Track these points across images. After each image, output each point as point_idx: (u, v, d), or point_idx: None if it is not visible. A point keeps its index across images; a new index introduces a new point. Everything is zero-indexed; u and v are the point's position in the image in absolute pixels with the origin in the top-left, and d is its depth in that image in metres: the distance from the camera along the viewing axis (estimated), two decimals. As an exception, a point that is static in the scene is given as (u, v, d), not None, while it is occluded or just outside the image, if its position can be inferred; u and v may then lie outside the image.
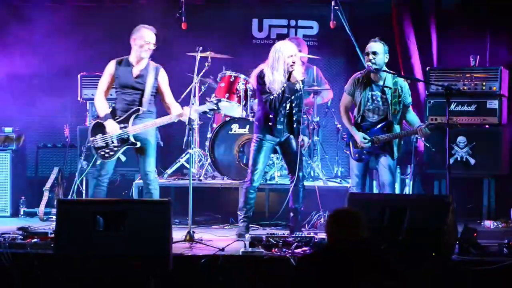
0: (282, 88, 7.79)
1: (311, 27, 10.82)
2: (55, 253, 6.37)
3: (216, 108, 8.04)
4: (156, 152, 8.17)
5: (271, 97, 7.82)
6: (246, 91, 9.18)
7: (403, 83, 8.01)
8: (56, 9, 10.24)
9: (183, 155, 9.39)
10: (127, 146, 7.92)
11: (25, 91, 9.85)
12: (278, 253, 6.79)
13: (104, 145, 7.93)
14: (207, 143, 9.27)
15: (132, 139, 7.88)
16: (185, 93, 9.12)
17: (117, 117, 7.93)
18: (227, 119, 9.21)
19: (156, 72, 7.98)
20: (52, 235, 6.99)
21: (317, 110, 9.54)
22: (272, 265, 6.66)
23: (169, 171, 9.48)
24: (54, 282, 6.43)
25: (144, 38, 7.88)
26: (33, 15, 10.09)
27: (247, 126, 8.98)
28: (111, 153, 7.93)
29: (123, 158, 8.68)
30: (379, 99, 7.95)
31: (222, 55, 9.48)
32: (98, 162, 8.02)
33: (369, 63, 7.85)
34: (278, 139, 8.02)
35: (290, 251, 6.78)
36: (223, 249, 7.00)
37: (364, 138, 7.93)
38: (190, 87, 8.76)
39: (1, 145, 9.45)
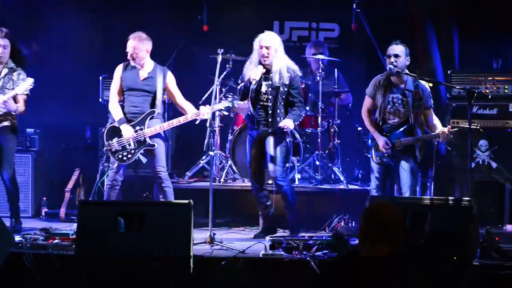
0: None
1: (333, 30, 10.82)
2: (76, 254, 6.39)
3: (231, 105, 8.23)
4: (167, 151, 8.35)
5: (239, 85, 8.09)
6: (267, 93, 9.17)
7: (424, 86, 7.98)
8: (77, 11, 10.28)
9: (204, 157, 9.41)
10: (145, 148, 8.02)
11: (47, 93, 9.86)
12: (299, 255, 6.78)
13: (121, 148, 8.04)
14: (228, 145, 9.29)
15: (148, 141, 8.00)
16: (206, 95, 9.15)
17: (131, 120, 8.06)
18: (248, 121, 9.22)
19: (164, 74, 8.14)
20: (74, 236, 7.02)
21: (338, 113, 9.53)
22: (292, 268, 6.66)
23: (190, 173, 9.50)
24: (75, 283, 6.44)
25: (128, 46, 8.08)
26: (54, 18, 10.15)
27: (269, 128, 8.98)
28: (129, 155, 8.04)
29: (143, 160, 8.72)
30: (400, 102, 7.91)
31: (243, 57, 9.47)
32: (115, 165, 8.09)
33: (391, 66, 7.83)
34: (257, 132, 8.07)
35: (310, 253, 6.77)
36: (243, 252, 7.00)
37: (387, 144, 7.91)
38: (212, 89, 8.78)
39: None
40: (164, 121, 8.21)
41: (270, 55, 7.94)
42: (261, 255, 6.87)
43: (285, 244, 6.98)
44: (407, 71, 7.88)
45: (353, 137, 10.04)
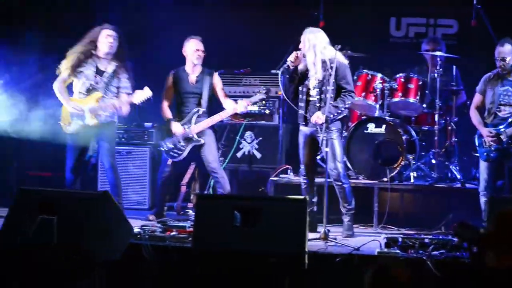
0: None
1: (451, 26, 10.59)
2: (193, 247, 6.47)
3: (265, 97, 8.82)
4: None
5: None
6: (383, 90, 9.08)
7: None
8: (192, 11, 10.47)
9: (318, 153, 9.38)
10: (193, 144, 8.73)
11: (163, 87, 10.04)
12: (414, 254, 6.69)
13: (172, 146, 8.72)
14: (343, 142, 9.24)
15: (196, 137, 8.71)
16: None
17: (181, 119, 8.80)
18: (363, 118, 9.17)
19: (211, 76, 8.94)
20: (190, 229, 7.12)
21: (455, 110, 9.35)
22: (408, 267, 6.56)
23: (304, 169, 9.50)
24: (191, 275, 6.53)
25: (195, 46, 8.83)
26: (169, 16, 10.35)
27: (383, 126, 8.88)
28: (179, 152, 8.77)
29: (258, 155, 8.86)
30: (510, 93, 7.94)
31: (359, 54, 9.40)
32: (169, 162, 8.85)
33: (499, 70, 7.99)
34: (309, 128, 8.09)
35: (426, 253, 6.66)
36: (358, 249, 6.97)
37: (490, 132, 7.93)
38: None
39: None
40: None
41: (302, 49, 8.02)
42: (376, 253, 6.81)
43: (401, 242, 6.90)
44: None
45: (471, 136, 9.82)
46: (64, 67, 8.47)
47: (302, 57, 8.03)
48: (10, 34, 10.32)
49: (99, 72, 8.50)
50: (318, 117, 7.85)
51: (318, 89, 7.99)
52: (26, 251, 6.00)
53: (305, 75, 8.10)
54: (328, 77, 7.91)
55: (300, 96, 8.14)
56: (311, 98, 8.07)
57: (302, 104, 8.11)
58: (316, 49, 7.96)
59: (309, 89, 8.08)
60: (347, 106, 8.09)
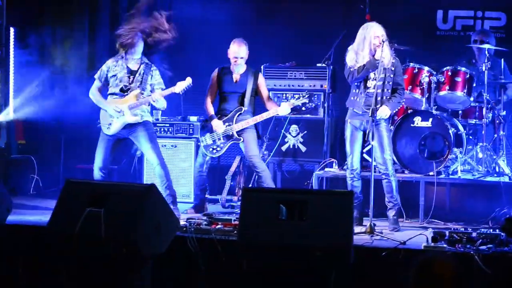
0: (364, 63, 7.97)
1: (499, 19, 10.47)
2: (239, 240, 6.47)
3: (307, 101, 8.98)
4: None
5: (351, 69, 8.03)
6: (430, 83, 9.02)
7: None
8: (246, 1, 10.51)
9: (365, 146, 9.34)
10: (232, 142, 8.86)
11: (207, 82, 10.08)
12: (462, 249, 6.61)
13: (212, 142, 8.81)
14: (388, 135, 9.20)
15: (236, 135, 8.82)
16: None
17: (223, 116, 8.89)
18: (410, 111, 9.11)
19: (255, 76, 8.98)
20: (236, 222, 7.13)
21: (503, 104, 9.24)
22: (453, 262, 6.49)
23: (350, 162, 9.47)
24: (238, 268, 6.53)
25: (233, 53, 8.88)
26: (220, 10, 10.40)
27: (430, 119, 8.81)
28: (218, 149, 8.89)
29: (303, 149, 8.80)
30: None
31: (405, 47, 9.33)
32: (207, 158, 8.93)
33: None
34: (360, 120, 8.03)
35: (474, 247, 6.59)
36: (404, 243, 6.92)
37: None
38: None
39: None
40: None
41: (381, 44, 7.91)
42: (422, 247, 6.75)
43: (448, 236, 6.83)
44: None
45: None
46: (99, 73, 8.60)
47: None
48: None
49: (131, 73, 8.49)
50: (384, 112, 7.89)
51: (380, 83, 7.94)
52: (74, 242, 6.05)
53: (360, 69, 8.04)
54: (390, 72, 7.99)
55: (357, 89, 8.10)
56: (369, 91, 8.04)
57: (359, 96, 8.07)
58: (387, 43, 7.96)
59: (366, 81, 8.06)
60: (401, 102, 8.20)
